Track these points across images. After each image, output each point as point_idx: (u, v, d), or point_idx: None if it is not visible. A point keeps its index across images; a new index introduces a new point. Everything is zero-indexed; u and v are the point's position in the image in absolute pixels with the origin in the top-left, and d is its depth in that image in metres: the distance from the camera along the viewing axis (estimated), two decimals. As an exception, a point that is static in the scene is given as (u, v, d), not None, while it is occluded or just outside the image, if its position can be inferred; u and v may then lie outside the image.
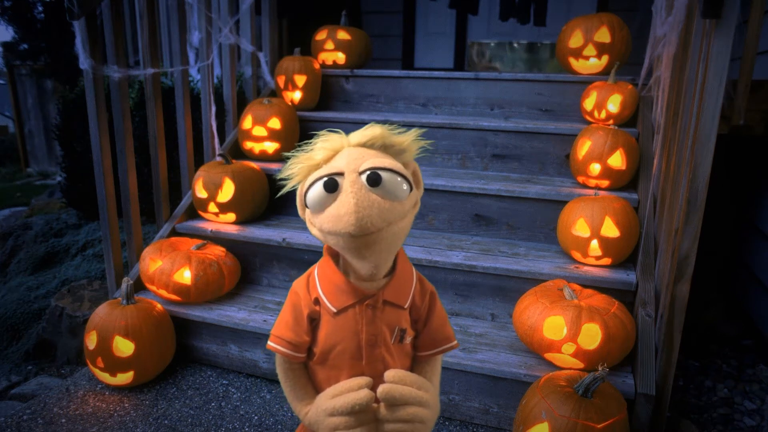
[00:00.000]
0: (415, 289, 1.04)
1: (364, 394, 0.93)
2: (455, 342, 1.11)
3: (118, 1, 2.05)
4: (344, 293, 0.99)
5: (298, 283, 1.05)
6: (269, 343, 1.04)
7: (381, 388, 0.94)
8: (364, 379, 0.96)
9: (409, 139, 0.98)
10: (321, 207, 0.90)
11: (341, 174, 0.89)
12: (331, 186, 0.88)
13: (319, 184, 0.89)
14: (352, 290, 0.98)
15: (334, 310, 0.99)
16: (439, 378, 1.12)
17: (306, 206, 0.95)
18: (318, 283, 1.02)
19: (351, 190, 0.86)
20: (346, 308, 0.99)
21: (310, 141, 0.97)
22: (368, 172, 0.88)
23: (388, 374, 0.97)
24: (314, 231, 0.95)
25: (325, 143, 0.95)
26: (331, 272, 1.01)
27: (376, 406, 0.95)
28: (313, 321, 1.03)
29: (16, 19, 6.82)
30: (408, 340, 1.05)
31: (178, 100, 2.32)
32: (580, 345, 1.53)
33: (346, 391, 0.95)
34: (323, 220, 0.89)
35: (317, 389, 1.05)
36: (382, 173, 0.89)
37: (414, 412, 0.94)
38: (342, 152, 0.93)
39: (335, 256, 1.03)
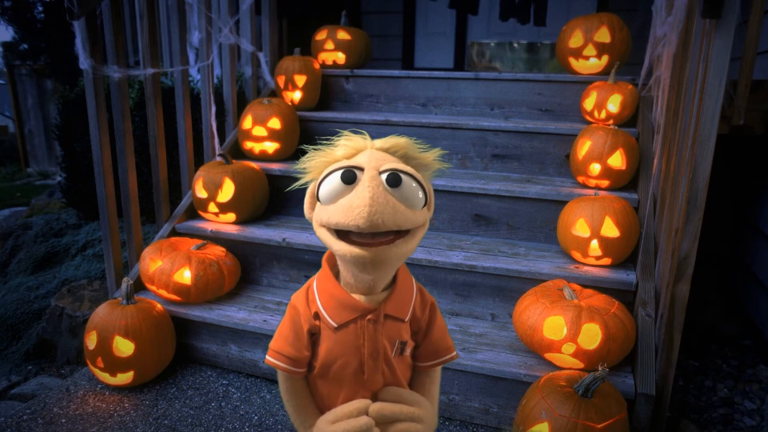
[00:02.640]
0: (415, 301, 1.03)
1: (364, 421, 0.93)
2: (455, 353, 1.10)
3: (118, 1, 2.05)
4: (345, 308, 0.97)
5: (297, 298, 1.03)
6: (268, 357, 1.03)
7: (372, 408, 0.94)
8: (363, 403, 0.96)
9: (431, 156, 0.97)
10: (334, 198, 0.88)
11: (361, 169, 0.88)
12: (350, 177, 0.87)
13: (337, 175, 0.88)
14: (353, 304, 0.97)
15: (335, 325, 0.98)
16: (438, 388, 1.11)
17: (318, 199, 0.92)
18: (317, 297, 1.00)
19: (369, 184, 0.85)
20: (347, 323, 0.97)
21: (330, 138, 0.95)
22: (389, 172, 0.87)
23: (381, 393, 0.98)
24: (321, 233, 0.92)
25: (348, 141, 0.94)
26: (331, 286, 0.99)
27: (375, 430, 0.94)
28: (313, 335, 1.01)
29: (16, 19, 6.83)
30: (408, 351, 1.05)
31: (178, 100, 2.32)
32: (580, 345, 1.53)
33: (345, 417, 0.94)
34: (333, 212, 0.87)
35: (318, 403, 1.04)
36: (403, 176, 0.88)
37: (405, 428, 0.94)
38: (364, 152, 0.92)
39: (334, 267, 1.01)
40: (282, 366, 1.01)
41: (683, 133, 1.55)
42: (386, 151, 0.93)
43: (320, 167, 0.94)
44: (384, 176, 0.87)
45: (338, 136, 0.95)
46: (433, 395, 1.09)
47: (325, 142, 0.96)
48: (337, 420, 0.95)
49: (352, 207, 0.84)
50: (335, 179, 0.88)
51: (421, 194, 0.90)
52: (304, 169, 0.96)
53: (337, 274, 1.01)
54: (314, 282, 1.03)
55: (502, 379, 1.64)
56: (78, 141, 3.20)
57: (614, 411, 1.35)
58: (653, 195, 1.96)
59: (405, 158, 0.94)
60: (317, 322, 1.00)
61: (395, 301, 0.99)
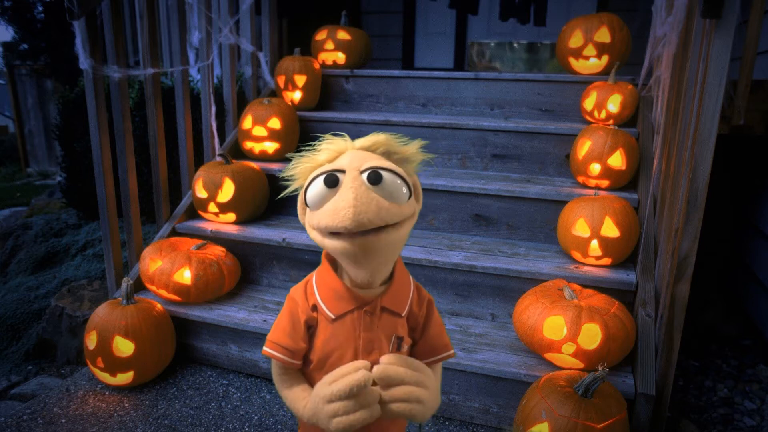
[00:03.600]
0: (412, 297, 1.04)
1: (362, 375, 0.92)
2: (452, 351, 1.11)
3: (118, 1, 2.05)
4: (343, 299, 0.99)
5: (296, 290, 1.04)
6: (265, 348, 1.03)
7: (376, 369, 0.94)
8: (361, 362, 0.96)
9: (412, 149, 0.97)
10: (320, 203, 0.90)
11: (342, 171, 0.90)
12: (332, 181, 0.88)
13: (320, 180, 0.90)
14: (351, 296, 0.98)
15: (333, 316, 0.99)
16: (439, 381, 1.12)
17: (306, 205, 0.94)
18: (316, 289, 1.01)
19: (351, 185, 0.87)
20: (344, 314, 0.99)
21: (312, 143, 0.98)
22: (369, 171, 0.89)
23: (383, 357, 0.97)
24: (313, 234, 0.94)
25: (329, 145, 0.96)
26: (329, 279, 1.01)
27: (375, 388, 0.94)
28: (311, 328, 1.02)
29: (16, 19, 6.83)
30: (405, 348, 1.05)
31: (178, 100, 2.32)
32: (580, 345, 1.53)
33: (343, 376, 0.94)
34: (321, 216, 0.89)
35: None
36: (383, 173, 0.89)
37: (410, 390, 0.94)
38: (345, 154, 0.94)
39: (333, 263, 1.03)
40: (279, 357, 1.02)
41: (683, 133, 1.55)
42: (367, 149, 0.95)
43: (306, 173, 0.96)
44: (365, 175, 0.89)
45: (320, 141, 0.97)
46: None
47: (307, 147, 0.97)
48: (335, 380, 0.95)
49: (338, 209, 0.86)
50: (319, 184, 0.90)
51: (404, 188, 0.91)
52: (292, 176, 0.98)
53: (336, 270, 1.02)
54: (314, 276, 1.05)
55: (502, 379, 1.64)
56: (78, 141, 3.20)
57: (614, 411, 1.35)
58: (653, 195, 1.96)
59: (387, 154, 0.96)
60: (315, 314, 1.01)
61: (392, 295, 1.01)
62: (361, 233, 0.88)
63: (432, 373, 1.02)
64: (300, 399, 1.02)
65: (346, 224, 0.85)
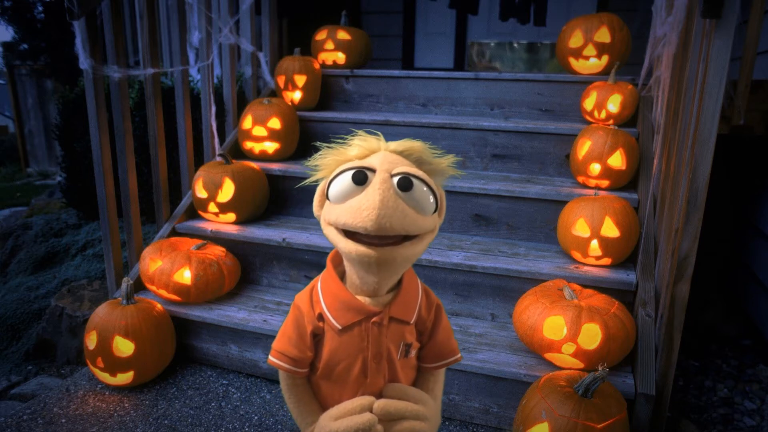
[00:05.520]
0: (421, 302, 1.03)
1: (367, 418, 0.92)
2: (459, 355, 1.10)
3: (118, 1, 2.05)
4: (350, 310, 0.97)
5: (301, 298, 1.02)
6: (270, 358, 1.03)
7: (376, 404, 0.94)
8: (366, 400, 0.95)
9: (445, 162, 0.95)
10: (343, 198, 0.87)
11: (373, 170, 0.87)
12: (361, 178, 0.86)
13: (348, 174, 0.87)
14: (358, 307, 0.96)
15: (339, 327, 0.97)
16: (441, 388, 1.12)
17: (327, 198, 0.92)
18: (322, 298, 0.99)
19: (380, 187, 0.84)
20: (352, 326, 0.97)
21: (330, 138, 0.95)
22: (401, 176, 0.87)
23: (386, 390, 0.97)
24: (328, 231, 0.92)
25: (362, 141, 0.93)
26: (335, 287, 0.98)
27: (380, 429, 0.94)
28: (317, 336, 1.01)
29: (16, 19, 6.83)
30: (413, 353, 1.04)
31: (178, 100, 2.32)
32: (580, 345, 1.53)
33: (348, 414, 0.94)
34: (342, 212, 0.87)
35: (321, 404, 1.04)
36: (414, 180, 0.87)
37: (410, 426, 0.95)
38: (377, 154, 0.92)
39: (338, 267, 1.01)
40: (284, 366, 1.01)
41: (683, 133, 1.55)
42: (400, 153, 0.92)
43: (332, 165, 0.93)
44: (395, 179, 0.86)
45: (353, 135, 0.94)
46: (437, 394, 1.09)
47: (339, 140, 0.95)
48: (340, 416, 0.94)
49: (361, 209, 0.84)
50: (346, 179, 0.87)
51: (431, 199, 0.90)
52: (316, 166, 0.95)
53: (341, 275, 1.01)
54: (318, 283, 1.02)
55: (502, 379, 1.64)
56: (78, 141, 3.20)
57: (614, 411, 1.35)
58: (653, 195, 1.96)
59: (418, 162, 0.93)
60: (321, 324, 0.99)
61: (400, 304, 0.99)
62: (380, 240, 0.86)
63: (431, 400, 1.02)
64: (307, 423, 1.02)
65: (366, 225, 0.83)
